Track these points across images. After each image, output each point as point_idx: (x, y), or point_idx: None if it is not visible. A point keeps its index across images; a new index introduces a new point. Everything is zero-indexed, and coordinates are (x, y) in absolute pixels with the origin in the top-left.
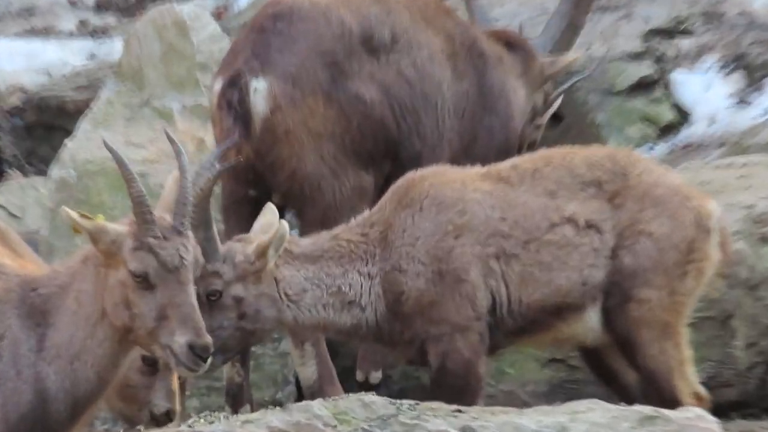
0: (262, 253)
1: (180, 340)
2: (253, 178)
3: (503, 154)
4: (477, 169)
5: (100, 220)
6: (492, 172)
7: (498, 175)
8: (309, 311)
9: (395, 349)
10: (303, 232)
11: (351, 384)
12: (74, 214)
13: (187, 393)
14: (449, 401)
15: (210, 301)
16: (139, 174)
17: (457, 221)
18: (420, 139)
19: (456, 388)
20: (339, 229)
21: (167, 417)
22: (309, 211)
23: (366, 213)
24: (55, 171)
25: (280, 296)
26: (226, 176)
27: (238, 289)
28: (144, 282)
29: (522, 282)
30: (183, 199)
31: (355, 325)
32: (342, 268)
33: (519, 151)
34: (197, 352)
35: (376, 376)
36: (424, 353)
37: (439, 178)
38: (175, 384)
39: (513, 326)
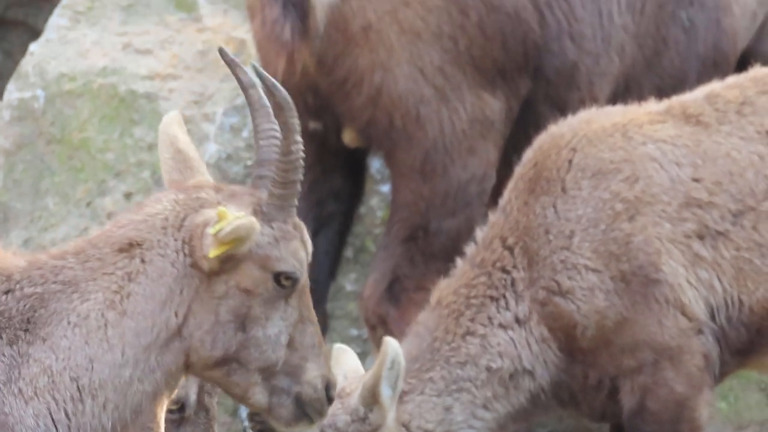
0: (372, 398)
1: (315, 376)
2: (315, 102)
3: (711, 70)
4: (647, 107)
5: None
6: (673, 108)
7: (683, 113)
8: (469, 426)
9: (579, 405)
10: (396, 188)
11: None
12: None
13: None
14: None
15: None
16: (143, 96)
17: (628, 194)
18: (575, 42)
19: None
20: (440, 288)
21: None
22: (402, 156)
23: (477, 232)
24: (13, 92)
25: None
26: None
27: None
28: (290, 288)
29: (738, 273)
30: (288, 164)
31: (532, 397)
32: (476, 341)
33: (740, 68)
34: (329, 395)
35: None
36: (615, 394)
37: (585, 133)
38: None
39: (737, 340)
